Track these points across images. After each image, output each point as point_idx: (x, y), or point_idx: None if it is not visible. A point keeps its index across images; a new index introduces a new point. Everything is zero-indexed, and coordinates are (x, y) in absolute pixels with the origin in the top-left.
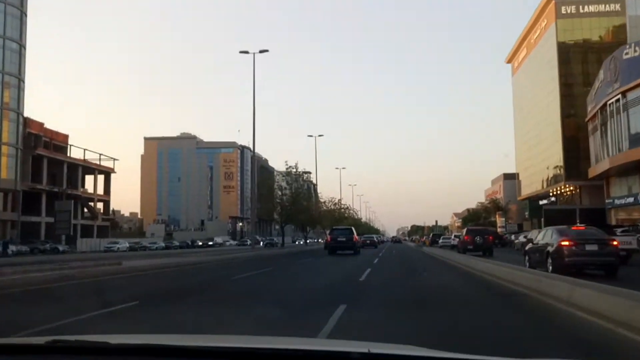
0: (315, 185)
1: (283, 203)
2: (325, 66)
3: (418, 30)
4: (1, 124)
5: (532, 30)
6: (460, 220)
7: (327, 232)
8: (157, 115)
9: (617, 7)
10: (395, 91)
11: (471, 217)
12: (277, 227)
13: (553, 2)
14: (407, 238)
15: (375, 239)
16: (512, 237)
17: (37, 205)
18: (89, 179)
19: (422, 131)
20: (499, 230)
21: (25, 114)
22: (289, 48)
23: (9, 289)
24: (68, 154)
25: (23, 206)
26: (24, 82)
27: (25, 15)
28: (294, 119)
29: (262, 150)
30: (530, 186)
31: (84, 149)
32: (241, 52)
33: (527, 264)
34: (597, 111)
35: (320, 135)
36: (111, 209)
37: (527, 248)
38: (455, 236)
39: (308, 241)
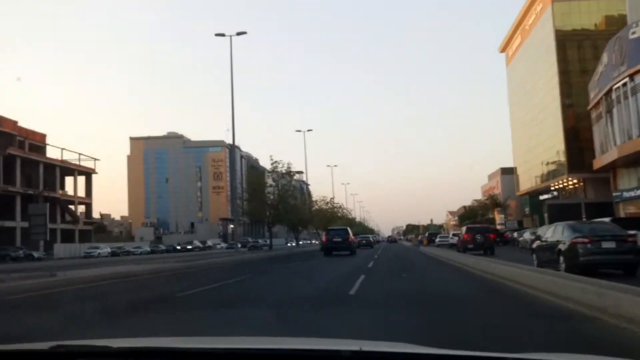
0: (307, 185)
1: (270, 202)
2: (313, 61)
3: (406, 21)
4: None
5: (527, 16)
6: (456, 218)
7: (320, 232)
8: (144, 115)
9: None
10: (383, 88)
11: (468, 215)
12: (268, 228)
13: None
14: (402, 237)
15: (371, 239)
16: (515, 234)
17: (10, 210)
18: (69, 181)
19: (413, 128)
20: (498, 227)
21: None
22: (277, 41)
23: None
24: (46, 155)
25: None
26: None
27: None
28: (286, 119)
29: (252, 150)
30: (529, 181)
31: (62, 149)
32: (217, 34)
33: (536, 263)
34: (602, 97)
35: (309, 130)
36: (99, 212)
37: (535, 246)
38: (453, 234)
39: (301, 242)
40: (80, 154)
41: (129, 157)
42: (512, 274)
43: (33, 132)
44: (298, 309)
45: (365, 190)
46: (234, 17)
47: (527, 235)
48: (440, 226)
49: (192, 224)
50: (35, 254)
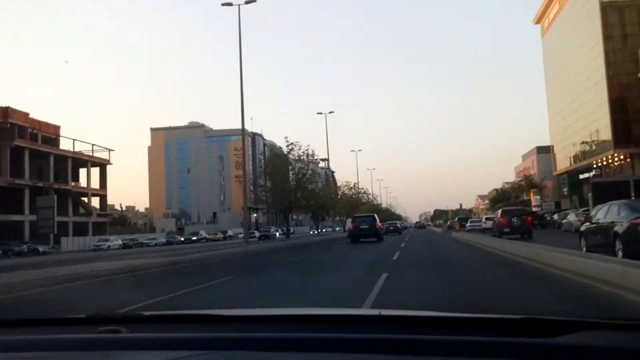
0: (332, 172)
1: (287, 187)
2: (336, 42)
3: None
4: None
5: None
6: (487, 201)
7: (344, 220)
8: (165, 105)
9: None
10: (412, 66)
11: (500, 198)
12: (294, 217)
13: None
14: (430, 223)
15: (398, 225)
16: (555, 216)
17: (19, 203)
18: (83, 173)
19: (441, 110)
20: (534, 209)
21: (17, 106)
22: (299, 28)
23: None
24: (59, 147)
25: (1, 203)
26: None
27: None
28: (308, 103)
29: (275, 136)
30: (567, 159)
31: (74, 140)
32: (224, 4)
33: (584, 248)
34: None
35: (330, 112)
36: (120, 204)
37: (584, 229)
38: (487, 219)
39: (324, 230)
40: (93, 144)
41: (149, 148)
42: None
43: (46, 124)
44: None
45: (391, 175)
46: None
47: (571, 217)
48: (470, 210)
49: (215, 214)
50: (41, 248)
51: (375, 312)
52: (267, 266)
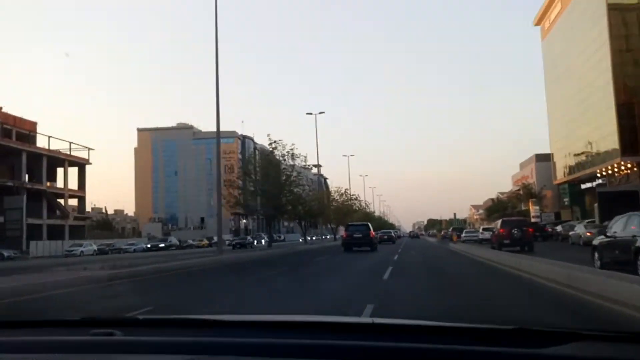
0: (325, 179)
1: (271, 191)
2: (327, 38)
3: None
4: None
5: None
6: (482, 212)
7: (334, 227)
8: (153, 106)
9: None
10: (403, 73)
11: (496, 207)
12: (286, 224)
13: None
14: (423, 232)
15: (392, 234)
16: (559, 228)
17: None
18: (62, 172)
19: (434, 119)
20: (532, 220)
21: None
22: (287, 24)
23: None
24: (36, 144)
25: None
26: None
27: None
28: (303, 108)
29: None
30: (568, 168)
31: (49, 136)
32: None
33: (598, 264)
34: None
35: (321, 113)
36: (104, 207)
37: (598, 242)
38: (484, 229)
39: (314, 238)
40: (71, 142)
41: (136, 150)
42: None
43: (22, 120)
44: None
45: (384, 183)
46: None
47: (579, 229)
48: (464, 221)
49: (202, 219)
50: (6, 253)
51: (368, 320)
52: (222, 286)
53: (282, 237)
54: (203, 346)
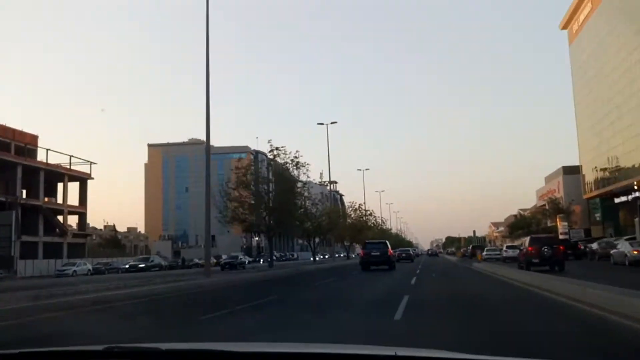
0: (341, 195)
1: (268, 203)
2: (345, 53)
3: (443, 10)
4: None
5: None
6: (502, 229)
7: (347, 245)
8: (165, 122)
9: None
10: (420, 86)
11: (519, 224)
12: (299, 241)
13: None
14: (441, 250)
15: (411, 252)
16: (594, 245)
17: None
18: (71, 187)
19: (451, 132)
20: (560, 237)
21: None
22: (299, 35)
23: None
24: (36, 158)
25: None
26: None
27: None
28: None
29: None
30: (600, 180)
31: (47, 149)
32: None
33: None
34: None
35: (332, 123)
36: (121, 225)
37: None
38: (507, 247)
39: (327, 256)
40: (71, 156)
41: (146, 165)
42: None
43: (22, 133)
44: None
45: (401, 200)
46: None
47: (624, 247)
48: (483, 238)
49: (213, 237)
50: None
51: (390, 351)
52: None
53: (295, 256)
54: None
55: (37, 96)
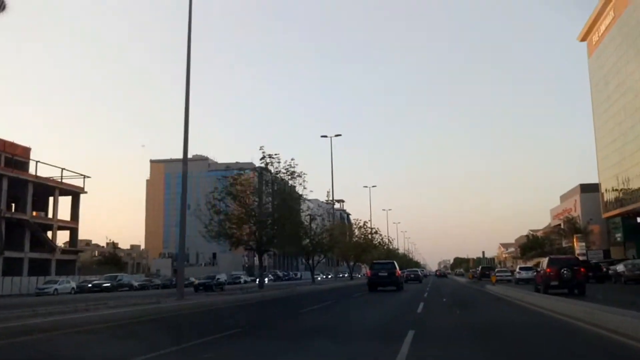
0: (348, 214)
1: (255, 218)
2: (349, 68)
3: (447, 23)
4: None
5: None
6: (513, 249)
7: (351, 265)
8: (169, 138)
9: None
10: (431, 103)
11: (531, 245)
12: (303, 261)
13: None
14: (450, 271)
15: (419, 273)
16: (619, 267)
17: None
18: (62, 201)
19: (462, 156)
20: (579, 258)
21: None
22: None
23: None
24: (28, 171)
25: None
26: None
27: None
28: (323, 140)
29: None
30: (620, 199)
31: (36, 161)
32: None
33: None
34: None
35: (337, 135)
36: (110, 240)
37: None
38: (521, 269)
39: (329, 276)
40: (63, 168)
41: (148, 182)
42: None
43: (12, 144)
44: None
45: (408, 219)
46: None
47: None
48: (492, 259)
49: (214, 255)
50: None
51: None
52: None
53: (299, 275)
54: None
55: (47, 115)
